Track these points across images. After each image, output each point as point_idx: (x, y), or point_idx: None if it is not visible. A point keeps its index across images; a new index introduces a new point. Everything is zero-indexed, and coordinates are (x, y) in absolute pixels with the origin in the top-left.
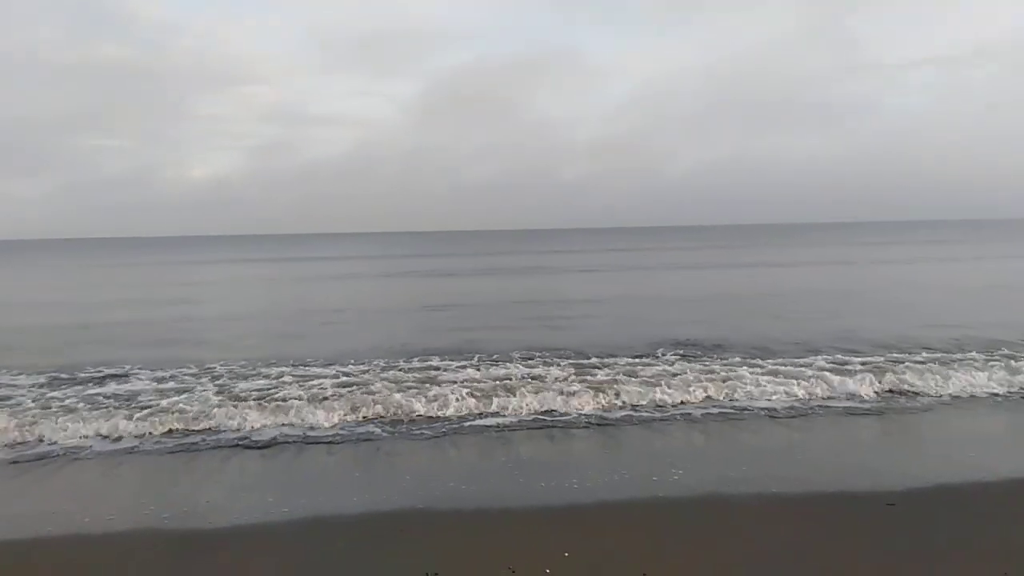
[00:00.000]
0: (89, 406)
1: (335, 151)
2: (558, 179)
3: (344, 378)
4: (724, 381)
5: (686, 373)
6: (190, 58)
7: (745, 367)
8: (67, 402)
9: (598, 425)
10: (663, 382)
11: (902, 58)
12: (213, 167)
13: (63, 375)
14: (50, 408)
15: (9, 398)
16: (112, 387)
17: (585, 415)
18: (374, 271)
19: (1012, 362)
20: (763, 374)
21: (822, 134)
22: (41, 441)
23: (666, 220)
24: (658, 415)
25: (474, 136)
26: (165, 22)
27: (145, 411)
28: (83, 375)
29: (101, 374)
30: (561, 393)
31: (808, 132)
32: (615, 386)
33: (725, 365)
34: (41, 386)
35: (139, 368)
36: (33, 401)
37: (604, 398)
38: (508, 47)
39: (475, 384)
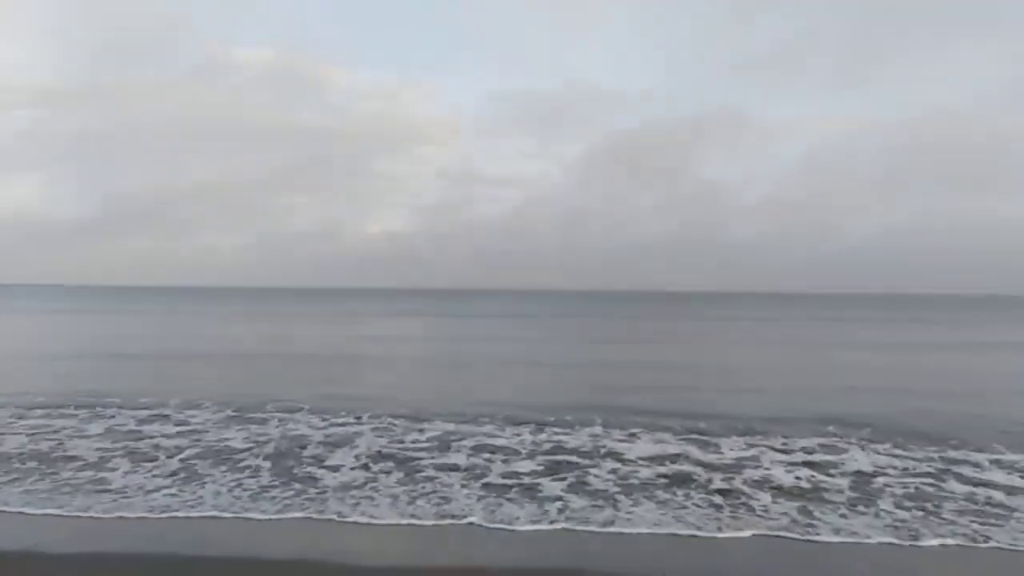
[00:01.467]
0: None
1: (502, 210)
2: (724, 241)
3: None
4: None
5: None
6: (371, 121)
7: None
8: None
9: None
10: None
11: None
12: (386, 223)
13: None
14: None
15: None
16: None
17: None
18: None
19: None
20: None
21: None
22: None
23: (841, 287)
24: None
25: (639, 197)
26: (351, 87)
27: None
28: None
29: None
30: None
31: (1015, 194)
32: None
33: None
34: None
35: None
36: None
37: None
38: (677, 110)
39: None
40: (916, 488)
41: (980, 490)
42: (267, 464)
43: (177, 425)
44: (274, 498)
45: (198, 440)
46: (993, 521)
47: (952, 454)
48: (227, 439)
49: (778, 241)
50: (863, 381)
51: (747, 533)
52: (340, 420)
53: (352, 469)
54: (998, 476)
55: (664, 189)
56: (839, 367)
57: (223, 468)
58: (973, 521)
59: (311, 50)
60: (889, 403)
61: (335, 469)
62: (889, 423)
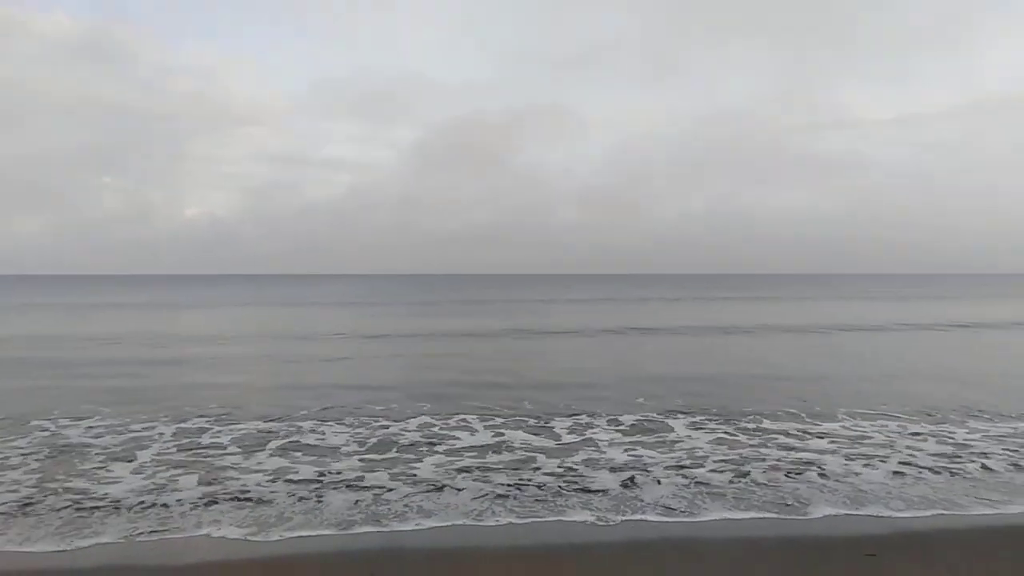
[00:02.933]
0: None
1: (332, 193)
2: (548, 225)
3: None
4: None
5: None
6: (189, 100)
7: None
8: None
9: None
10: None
11: (880, 116)
12: (208, 206)
13: None
14: None
15: None
16: None
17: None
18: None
19: None
20: None
21: (805, 187)
22: None
23: (650, 268)
24: None
25: (468, 183)
26: (164, 63)
27: None
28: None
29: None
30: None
31: (791, 185)
32: None
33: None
34: None
35: None
36: None
37: None
38: (502, 103)
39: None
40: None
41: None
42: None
43: None
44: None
45: None
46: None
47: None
48: None
49: (595, 225)
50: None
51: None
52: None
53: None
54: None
55: (491, 177)
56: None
57: None
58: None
59: (119, 20)
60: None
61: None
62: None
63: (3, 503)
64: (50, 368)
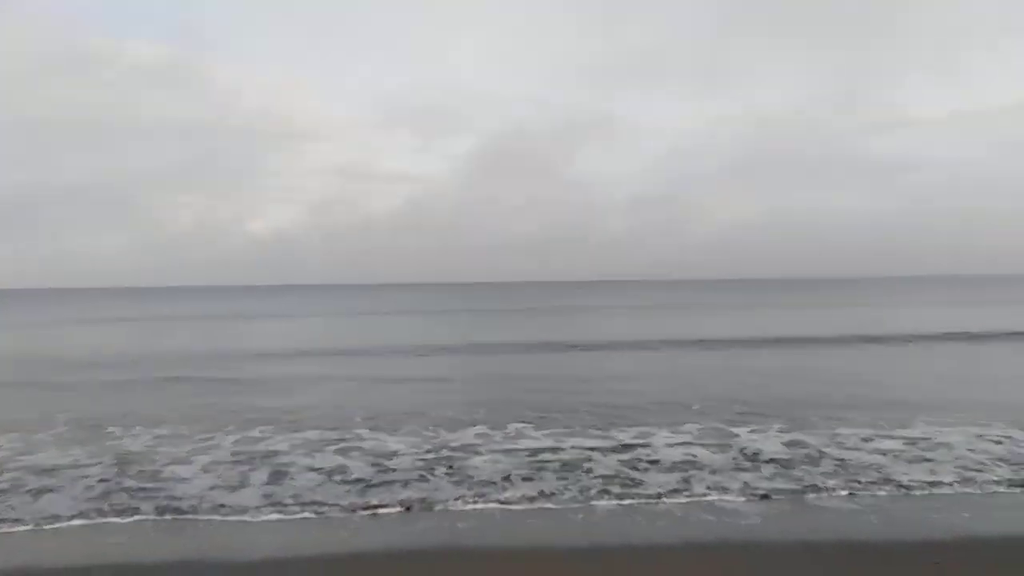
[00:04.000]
0: None
1: (390, 205)
2: (600, 233)
3: None
4: None
5: None
6: (257, 117)
7: None
8: None
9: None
10: None
11: (935, 115)
12: (273, 220)
13: None
14: None
15: None
16: None
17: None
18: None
19: None
20: None
21: (861, 189)
22: None
23: (702, 274)
24: None
25: (520, 192)
26: (235, 85)
27: None
28: None
29: None
30: None
31: (847, 188)
32: None
33: None
34: None
35: None
36: None
37: None
38: (552, 112)
39: None
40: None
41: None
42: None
43: None
44: None
45: None
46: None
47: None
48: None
49: (648, 233)
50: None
51: None
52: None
53: None
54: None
55: (542, 186)
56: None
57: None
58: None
59: (195, 45)
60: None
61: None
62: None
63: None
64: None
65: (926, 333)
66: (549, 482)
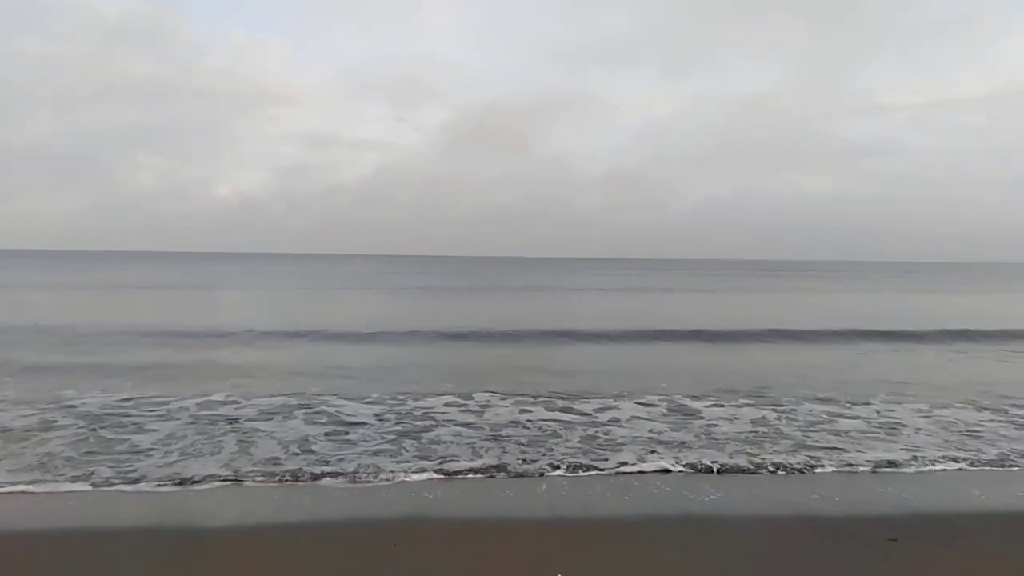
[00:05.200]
0: None
1: (360, 174)
2: (572, 209)
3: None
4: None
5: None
6: (221, 79)
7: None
8: None
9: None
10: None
11: (910, 101)
12: (240, 184)
13: None
14: None
15: None
16: None
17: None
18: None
19: None
20: None
21: (832, 173)
22: None
23: (673, 253)
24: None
25: (493, 167)
26: (198, 42)
27: None
28: None
29: None
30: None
31: (818, 172)
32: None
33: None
34: None
35: None
36: None
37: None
38: (527, 88)
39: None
40: None
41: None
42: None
43: None
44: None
45: None
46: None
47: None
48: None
49: (618, 210)
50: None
51: None
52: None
53: None
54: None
55: (516, 161)
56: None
57: None
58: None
59: (159, 2)
60: None
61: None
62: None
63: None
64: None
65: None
66: (512, 453)
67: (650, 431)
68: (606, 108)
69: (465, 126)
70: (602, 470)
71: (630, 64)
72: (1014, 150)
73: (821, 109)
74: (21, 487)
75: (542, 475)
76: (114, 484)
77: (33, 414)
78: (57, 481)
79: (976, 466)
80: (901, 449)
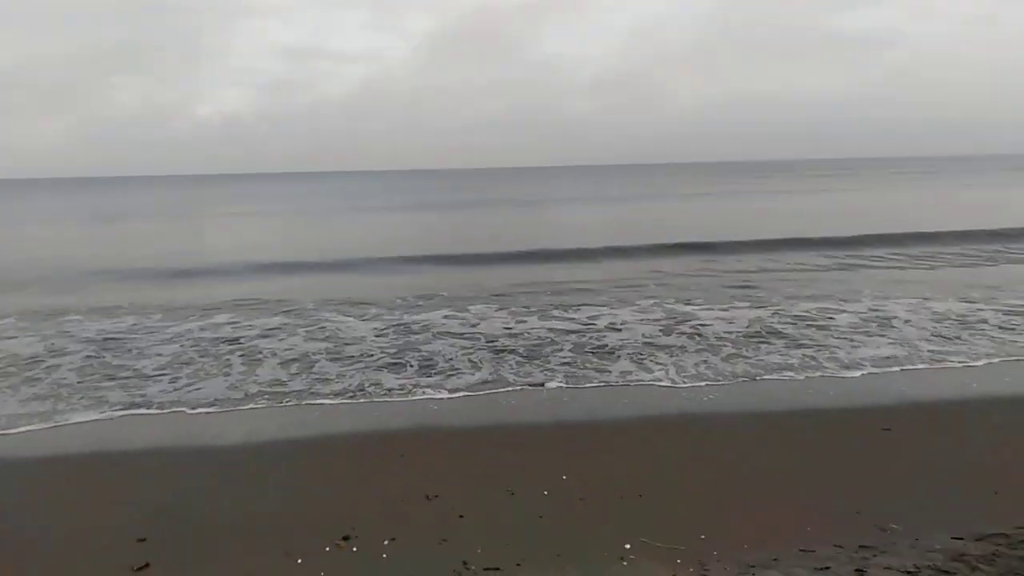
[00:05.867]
0: None
1: (344, 88)
2: (562, 115)
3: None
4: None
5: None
6: None
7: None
8: None
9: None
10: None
11: None
12: (222, 104)
13: None
14: None
15: None
16: None
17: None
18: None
19: None
20: None
21: (831, 68)
22: None
23: (670, 157)
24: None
25: (481, 74)
26: None
27: None
28: None
29: None
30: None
31: (819, 68)
32: None
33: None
34: None
35: None
36: None
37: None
38: None
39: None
40: None
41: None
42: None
43: None
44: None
45: None
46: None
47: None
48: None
49: (610, 114)
50: None
51: None
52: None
53: None
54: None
55: (504, 67)
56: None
57: None
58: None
59: None
60: None
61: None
62: None
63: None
64: None
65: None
66: (511, 363)
67: (644, 335)
68: (595, 8)
69: (451, 32)
70: (600, 376)
71: None
72: (1019, 36)
73: (816, 1)
74: (36, 418)
75: (542, 384)
76: (125, 409)
77: (39, 341)
78: (72, 409)
79: (969, 359)
80: (890, 344)
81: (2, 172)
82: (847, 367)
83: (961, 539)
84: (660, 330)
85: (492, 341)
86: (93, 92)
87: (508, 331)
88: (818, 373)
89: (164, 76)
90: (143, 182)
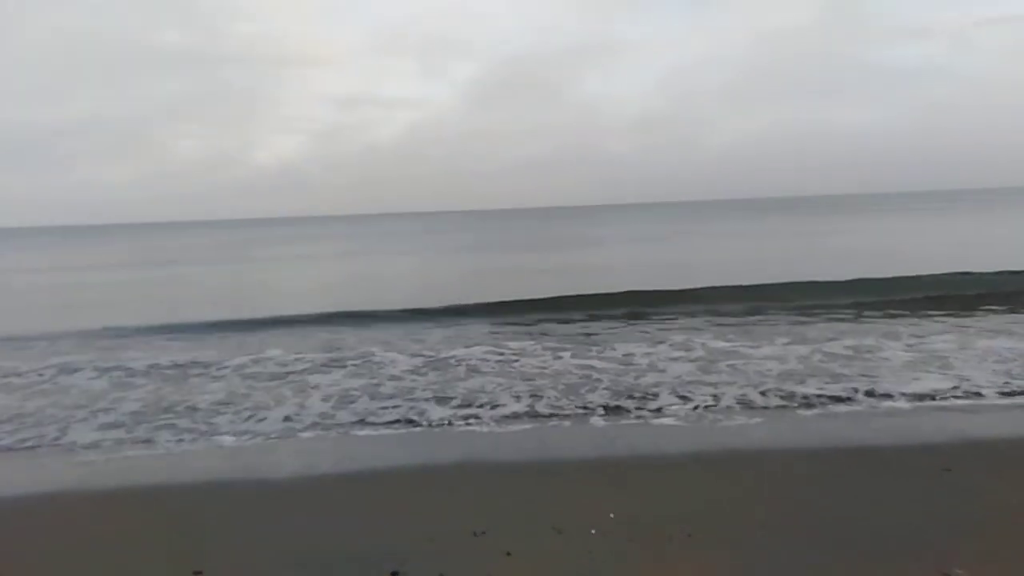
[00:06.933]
0: None
1: (393, 132)
2: (604, 155)
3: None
4: None
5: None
6: (250, 43)
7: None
8: None
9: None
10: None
11: (953, 22)
12: (277, 150)
13: None
14: None
15: None
16: None
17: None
18: None
19: None
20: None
21: (871, 103)
22: None
23: (709, 194)
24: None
25: (524, 118)
26: (220, 7)
27: None
28: None
29: None
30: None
31: (858, 101)
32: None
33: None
34: None
35: None
36: None
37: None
38: (555, 36)
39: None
40: None
41: None
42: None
43: None
44: None
45: None
46: None
47: None
48: None
49: (651, 154)
50: None
51: None
52: None
53: None
54: None
55: (546, 110)
56: None
57: None
58: None
59: None
60: None
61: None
62: None
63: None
64: None
65: None
66: (551, 398)
67: (684, 372)
68: (633, 50)
69: (495, 79)
70: (641, 411)
71: (654, 3)
72: None
73: (856, 35)
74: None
75: (585, 418)
76: (183, 441)
77: (102, 376)
78: (132, 441)
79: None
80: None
81: (74, 218)
82: (895, 400)
83: None
84: (701, 367)
85: (533, 376)
86: (156, 141)
87: (548, 368)
88: (872, 409)
89: (220, 124)
90: (204, 226)
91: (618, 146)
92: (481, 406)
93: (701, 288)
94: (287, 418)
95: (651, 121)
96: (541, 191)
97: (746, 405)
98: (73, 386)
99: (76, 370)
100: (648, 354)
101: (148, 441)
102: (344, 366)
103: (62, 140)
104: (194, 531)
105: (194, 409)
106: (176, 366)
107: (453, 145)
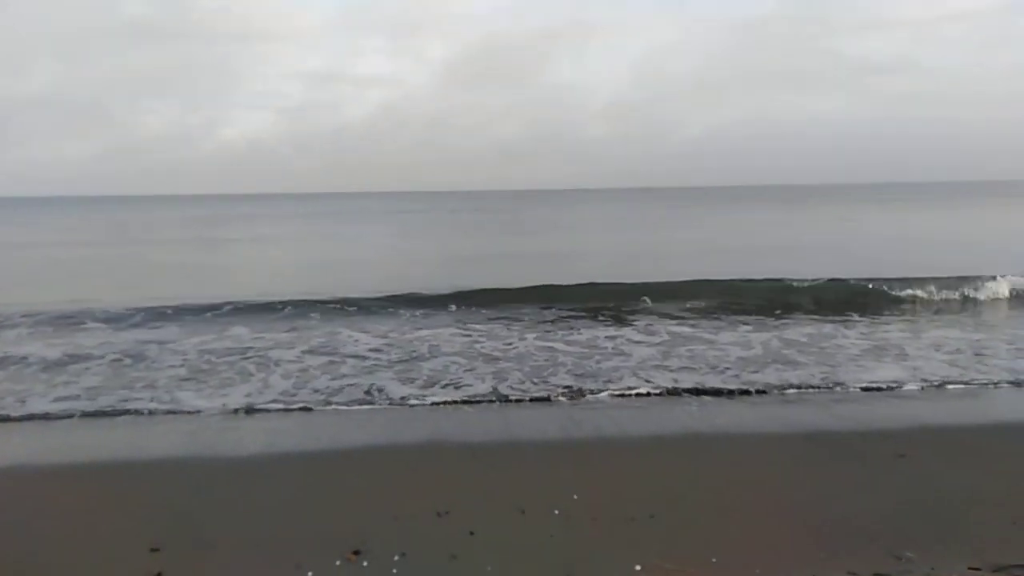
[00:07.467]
0: None
1: (364, 111)
2: (575, 140)
3: None
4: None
5: None
6: (217, 16)
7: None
8: None
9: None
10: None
11: (926, 14)
12: (245, 127)
13: None
14: None
15: None
16: None
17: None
18: None
19: None
20: None
21: (839, 94)
22: None
23: (680, 181)
24: None
25: (495, 100)
26: None
27: None
28: None
29: None
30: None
31: (827, 92)
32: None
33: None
34: None
35: None
36: None
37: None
38: (528, 18)
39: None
40: None
41: None
42: None
43: None
44: None
45: None
46: None
47: None
48: None
49: (622, 139)
50: None
51: None
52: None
53: None
54: None
55: (518, 93)
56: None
57: None
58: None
59: None
60: None
61: None
62: None
63: None
64: None
65: None
66: (516, 378)
67: (648, 355)
68: (606, 35)
69: (467, 59)
70: (604, 393)
71: None
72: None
73: (825, 26)
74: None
75: (548, 399)
76: (143, 414)
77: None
78: (89, 415)
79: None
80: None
81: (35, 190)
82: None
83: (978, 569)
84: (663, 350)
85: (498, 357)
86: (119, 117)
87: (513, 348)
88: (832, 395)
89: (184, 99)
90: (168, 201)
91: (590, 131)
92: (445, 386)
93: (679, 282)
94: (248, 395)
95: (620, 109)
96: (511, 174)
97: (707, 391)
98: (28, 360)
99: (30, 346)
100: (612, 337)
101: (106, 415)
102: (308, 345)
103: (21, 114)
104: (151, 508)
105: (153, 386)
106: (139, 343)
107: (424, 125)
